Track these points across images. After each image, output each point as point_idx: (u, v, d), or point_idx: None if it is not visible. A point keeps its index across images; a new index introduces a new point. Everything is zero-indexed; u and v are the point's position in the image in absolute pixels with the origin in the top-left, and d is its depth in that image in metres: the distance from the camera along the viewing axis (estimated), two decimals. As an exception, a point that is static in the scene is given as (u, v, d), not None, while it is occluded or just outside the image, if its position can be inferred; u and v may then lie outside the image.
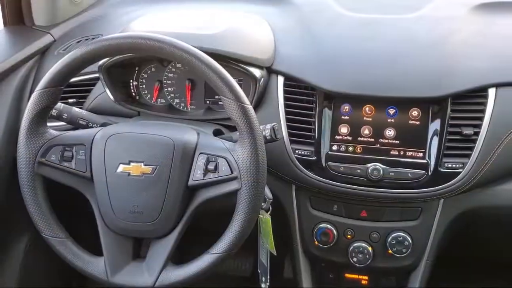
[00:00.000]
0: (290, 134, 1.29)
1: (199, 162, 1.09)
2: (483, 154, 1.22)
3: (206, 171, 1.09)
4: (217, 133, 1.26)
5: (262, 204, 1.18)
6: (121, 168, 1.10)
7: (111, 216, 1.13)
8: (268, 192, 1.19)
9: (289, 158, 1.29)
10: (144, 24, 1.40)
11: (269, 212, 1.22)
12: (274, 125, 1.16)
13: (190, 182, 1.10)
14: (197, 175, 1.09)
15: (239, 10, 1.52)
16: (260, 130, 1.07)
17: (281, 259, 1.64)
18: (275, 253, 1.27)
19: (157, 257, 1.13)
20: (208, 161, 1.09)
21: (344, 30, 1.40)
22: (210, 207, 1.16)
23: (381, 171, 1.25)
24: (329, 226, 1.36)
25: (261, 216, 1.21)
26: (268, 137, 1.15)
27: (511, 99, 1.24)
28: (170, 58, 1.08)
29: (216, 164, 1.08)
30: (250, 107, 1.05)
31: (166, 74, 1.38)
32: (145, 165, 1.09)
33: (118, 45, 1.07)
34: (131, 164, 1.10)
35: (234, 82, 1.05)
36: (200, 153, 1.10)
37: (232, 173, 1.06)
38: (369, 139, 1.28)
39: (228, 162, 1.07)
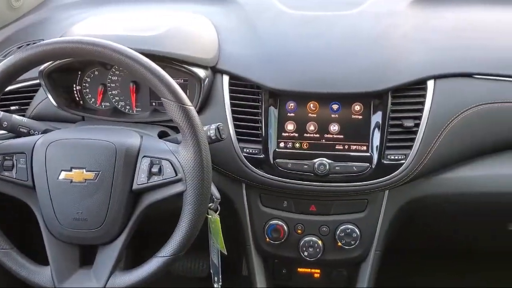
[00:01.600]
0: (237, 133, 1.30)
1: (143, 165, 1.09)
2: (424, 145, 1.25)
3: (150, 174, 1.08)
4: (162, 135, 1.26)
5: (210, 204, 1.19)
6: (63, 175, 1.08)
7: (55, 224, 1.11)
8: (215, 192, 1.20)
9: (237, 157, 1.29)
10: (86, 28, 1.38)
11: (218, 212, 1.22)
12: (219, 125, 1.16)
13: (135, 186, 1.09)
14: (141, 179, 1.08)
15: (183, 10, 1.51)
16: (203, 130, 1.07)
17: (239, 258, 1.65)
18: (225, 253, 1.28)
19: (105, 263, 1.12)
20: (152, 164, 1.08)
21: (287, 28, 1.41)
22: (159, 209, 1.16)
23: (327, 165, 1.27)
24: (279, 223, 1.37)
25: (210, 216, 1.21)
26: (213, 137, 1.16)
27: (449, 91, 1.28)
28: (109, 61, 1.07)
29: (160, 166, 1.07)
30: (191, 108, 1.05)
31: (110, 77, 1.37)
32: (87, 171, 1.08)
33: (55, 50, 1.05)
34: (73, 170, 1.08)
35: (174, 84, 1.05)
36: (144, 156, 1.09)
37: (176, 175, 1.06)
38: (314, 135, 1.30)
39: (172, 164, 1.07)
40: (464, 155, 1.31)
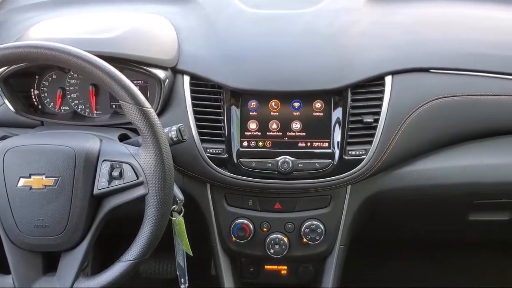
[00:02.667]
0: (200, 134, 1.29)
1: (103, 169, 1.08)
2: (383, 140, 1.28)
3: (111, 178, 1.07)
4: (123, 138, 1.24)
5: (174, 206, 1.19)
6: (21, 182, 1.06)
7: (16, 232, 1.09)
8: (179, 194, 1.19)
9: (201, 157, 1.29)
10: (42, 31, 1.35)
11: (182, 214, 1.22)
12: (180, 126, 1.16)
13: (95, 191, 1.08)
14: (102, 183, 1.07)
15: (141, 11, 1.49)
16: (164, 132, 1.07)
17: (207, 257, 1.65)
18: (191, 254, 1.28)
19: (68, 269, 1.11)
20: (112, 168, 1.07)
21: (246, 27, 1.41)
22: (122, 213, 1.15)
23: (291, 163, 1.28)
24: (245, 221, 1.38)
25: (174, 218, 1.21)
26: (174, 139, 1.15)
27: (406, 86, 1.31)
28: (64, 65, 1.05)
29: (121, 170, 1.07)
30: (150, 110, 1.04)
31: (68, 80, 1.35)
32: (46, 177, 1.06)
33: (8, 55, 1.03)
34: (32, 177, 1.06)
35: (132, 86, 1.04)
36: (104, 160, 1.08)
37: (137, 178, 1.06)
38: (277, 133, 1.30)
39: (133, 168, 1.06)
40: (423, 149, 1.34)
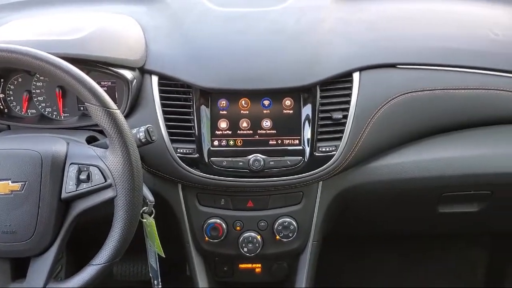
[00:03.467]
0: (170, 134, 1.29)
1: (71, 173, 1.06)
2: (352, 136, 1.29)
3: (79, 181, 1.06)
4: (91, 140, 1.23)
5: (145, 208, 1.18)
6: None
7: None
8: (149, 195, 1.18)
9: (171, 157, 1.29)
10: (6, 33, 1.33)
11: (152, 215, 1.21)
12: (148, 126, 1.15)
13: (63, 195, 1.06)
14: (69, 187, 1.06)
15: (107, 11, 1.47)
16: (131, 133, 1.06)
17: (182, 258, 1.64)
18: (163, 255, 1.27)
19: (38, 275, 1.09)
20: (80, 171, 1.06)
21: (214, 25, 1.41)
22: (93, 216, 1.14)
23: (262, 161, 1.28)
24: (218, 221, 1.37)
25: (145, 220, 1.20)
26: (143, 140, 1.14)
27: (374, 82, 1.32)
28: (28, 68, 1.04)
29: (89, 173, 1.05)
30: (116, 111, 1.03)
31: (34, 83, 1.33)
32: (12, 182, 1.04)
33: None
34: None
35: (97, 87, 1.03)
36: (71, 163, 1.07)
37: (105, 181, 1.05)
38: (248, 132, 1.30)
39: (100, 170, 1.05)
40: (392, 143, 1.36)
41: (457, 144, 1.40)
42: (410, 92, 1.33)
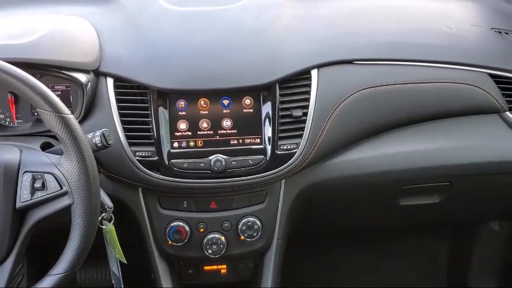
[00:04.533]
0: (127, 137, 1.26)
1: (25, 181, 1.02)
2: (313, 133, 1.29)
3: (34, 190, 1.02)
4: (46, 146, 1.18)
5: (103, 214, 1.15)
6: None
7: None
8: (107, 201, 1.15)
9: (130, 161, 1.26)
10: None
11: (112, 221, 1.18)
12: (104, 130, 1.12)
13: (18, 205, 1.02)
14: (24, 196, 1.02)
15: (59, 13, 1.43)
16: (86, 138, 1.03)
17: (146, 262, 1.62)
18: (124, 261, 1.24)
19: None
20: (34, 179, 1.02)
21: (170, 25, 1.39)
22: (51, 225, 1.10)
23: (224, 161, 1.27)
24: (181, 224, 1.35)
25: (104, 226, 1.17)
26: (99, 144, 1.11)
27: (332, 78, 1.32)
28: None
29: (43, 181, 1.02)
30: (69, 117, 1.00)
31: None
32: None
33: None
34: None
35: (48, 92, 0.99)
36: (25, 171, 1.03)
37: (61, 188, 1.01)
38: (208, 132, 1.29)
39: (55, 178, 1.02)
40: (352, 139, 1.37)
41: (416, 137, 1.42)
42: (368, 88, 1.34)
